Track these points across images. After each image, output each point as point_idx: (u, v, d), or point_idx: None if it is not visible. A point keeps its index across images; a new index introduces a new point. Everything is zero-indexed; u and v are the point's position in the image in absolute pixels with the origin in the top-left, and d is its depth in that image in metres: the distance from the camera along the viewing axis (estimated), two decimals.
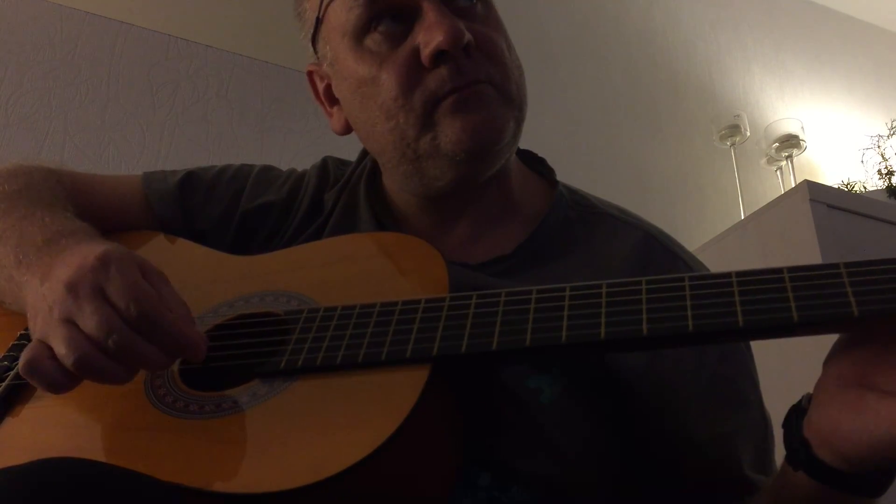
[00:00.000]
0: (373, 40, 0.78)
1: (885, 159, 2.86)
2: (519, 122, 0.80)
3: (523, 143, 0.95)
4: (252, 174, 0.95)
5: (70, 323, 0.60)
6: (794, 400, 0.61)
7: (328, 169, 0.94)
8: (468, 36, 0.75)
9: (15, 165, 0.88)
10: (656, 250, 0.82)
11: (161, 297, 0.62)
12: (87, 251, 0.64)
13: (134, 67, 2.07)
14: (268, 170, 0.97)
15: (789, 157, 2.70)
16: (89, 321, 0.59)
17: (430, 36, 0.75)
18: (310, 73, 0.90)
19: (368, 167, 0.93)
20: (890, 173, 2.80)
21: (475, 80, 0.76)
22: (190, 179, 0.93)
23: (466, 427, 0.66)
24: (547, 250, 0.82)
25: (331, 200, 0.91)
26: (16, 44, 1.96)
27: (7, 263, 0.73)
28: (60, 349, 0.59)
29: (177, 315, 0.62)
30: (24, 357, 0.60)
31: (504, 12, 0.84)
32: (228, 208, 0.91)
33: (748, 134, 2.73)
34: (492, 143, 0.77)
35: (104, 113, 1.99)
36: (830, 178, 2.91)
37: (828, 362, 0.57)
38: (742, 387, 0.79)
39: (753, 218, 2.20)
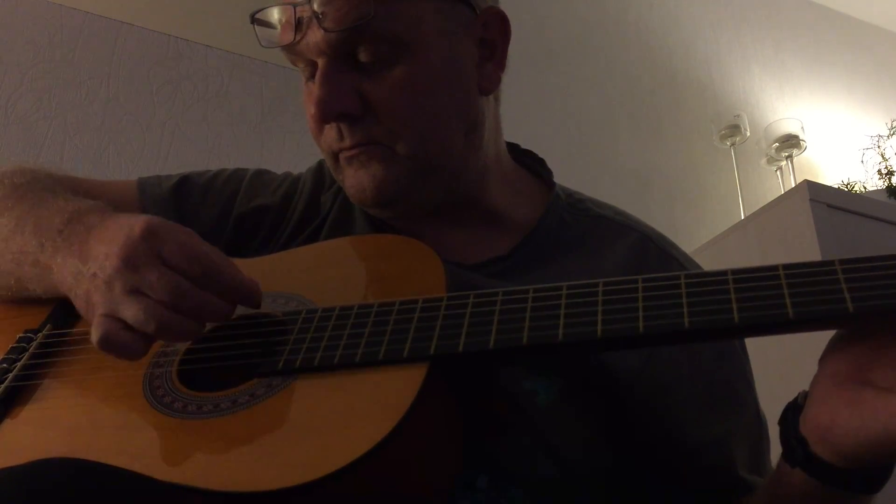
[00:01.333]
0: (302, 75, 0.83)
1: (885, 159, 2.86)
2: (425, 171, 0.80)
3: (524, 143, 0.95)
4: (246, 177, 0.95)
5: (139, 293, 0.62)
6: (790, 397, 0.61)
7: (324, 171, 0.94)
8: (341, 107, 0.77)
9: (17, 165, 0.89)
10: (651, 252, 0.83)
11: (212, 252, 0.66)
12: (127, 224, 0.66)
13: (134, 67, 2.07)
14: (262, 173, 0.97)
15: (789, 157, 2.70)
16: (158, 287, 0.62)
17: (309, 102, 0.79)
18: None
19: None
20: (890, 173, 2.80)
21: (358, 144, 0.78)
22: (184, 184, 0.93)
23: (465, 428, 0.66)
24: (543, 252, 0.83)
25: (328, 202, 0.91)
26: (16, 44, 1.96)
27: (30, 249, 0.74)
28: (138, 318, 0.62)
29: (229, 265, 0.66)
30: (97, 333, 0.62)
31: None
32: (223, 212, 0.92)
33: (748, 134, 2.73)
34: (381, 198, 0.80)
35: (104, 113, 1.99)
36: (830, 178, 2.91)
37: (823, 359, 0.57)
38: (737, 388, 0.79)
39: (753, 218, 2.20)
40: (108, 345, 0.63)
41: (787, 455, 0.60)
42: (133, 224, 0.65)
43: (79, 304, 0.68)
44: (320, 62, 0.77)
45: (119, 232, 0.65)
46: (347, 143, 0.78)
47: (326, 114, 0.77)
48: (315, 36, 0.76)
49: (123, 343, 0.63)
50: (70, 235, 0.71)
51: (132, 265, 0.63)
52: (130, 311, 0.62)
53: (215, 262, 0.65)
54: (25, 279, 0.76)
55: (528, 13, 2.67)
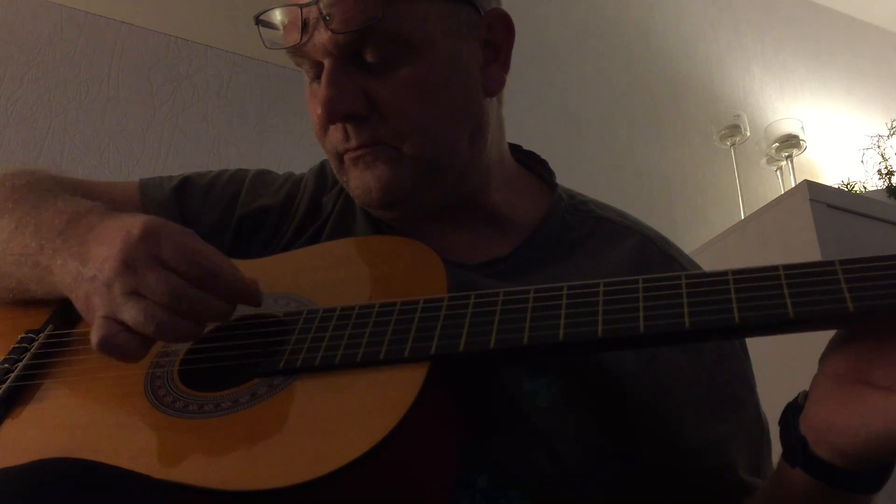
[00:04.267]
0: (306, 75, 0.82)
1: (885, 159, 2.86)
2: (430, 172, 0.80)
3: (523, 143, 0.95)
4: (248, 178, 0.95)
5: (137, 295, 0.62)
6: (790, 398, 0.61)
7: (326, 172, 0.94)
8: (348, 107, 0.76)
9: (18, 167, 0.89)
10: (652, 254, 0.83)
11: (209, 253, 0.66)
12: (125, 225, 0.66)
13: (134, 67, 2.07)
14: (264, 173, 0.97)
15: (789, 157, 2.70)
16: (157, 289, 0.62)
17: (315, 104, 0.78)
18: None
19: None
20: (890, 173, 2.80)
21: (364, 144, 0.78)
22: (186, 185, 0.93)
23: (465, 428, 0.66)
24: (544, 253, 0.83)
25: (330, 203, 0.91)
26: (16, 44, 1.96)
27: (30, 251, 0.74)
28: (138, 320, 0.62)
29: (228, 265, 0.66)
30: (96, 336, 0.62)
31: None
32: (225, 212, 0.92)
33: (748, 134, 2.73)
34: (387, 200, 0.80)
35: (104, 113, 1.99)
36: (830, 178, 2.91)
37: (823, 359, 0.57)
38: (738, 390, 0.79)
39: (753, 218, 2.20)
40: (108, 347, 0.62)
41: (787, 455, 0.60)
42: (132, 225, 0.65)
43: (79, 306, 0.68)
44: (326, 62, 0.77)
45: (118, 233, 0.65)
46: (353, 143, 0.78)
47: (333, 114, 0.77)
48: (322, 37, 0.75)
49: (122, 345, 0.62)
50: (70, 237, 0.71)
51: (131, 267, 0.63)
52: (129, 313, 0.62)
53: (214, 262, 0.65)
54: (26, 280, 0.76)
55: (528, 13, 2.67)
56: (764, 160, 2.84)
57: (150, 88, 2.07)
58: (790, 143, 2.69)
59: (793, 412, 0.59)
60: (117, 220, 0.69)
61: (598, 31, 2.86)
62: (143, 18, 2.12)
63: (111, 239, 0.65)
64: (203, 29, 2.18)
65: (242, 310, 0.74)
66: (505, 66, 0.85)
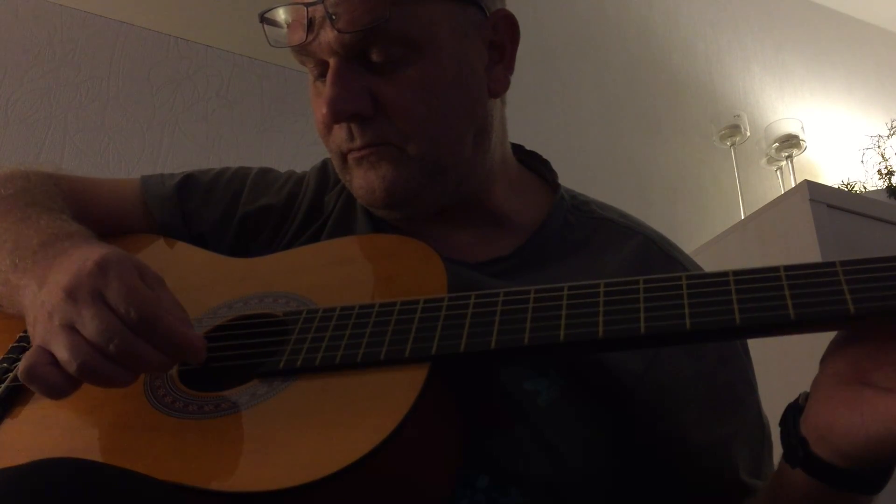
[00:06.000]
0: (310, 74, 0.82)
1: (885, 159, 2.86)
2: (434, 173, 0.79)
3: (524, 143, 0.95)
4: (250, 176, 0.95)
5: (71, 328, 0.60)
6: (791, 398, 0.61)
7: (328, 171, 0.94)
8: (354, 107, 0.76)
9: (11, 170, 0.88)
10: (654, 254, 0.83)
11: (159, 301, 0.63)
12: (84, 255, 0.64)
13: (134, 67, 2.07)
14: (266, 172, 0.97)
15: (789, 157, 2.70)
16: (90, 326, 0.59)
17: (319, 103, 0.78)
18: None
19: None
20: (890, 173, 2.80)
21: (369, 144, 0.78)
22: (188, 183, 0.93)
23: (465, 428, 0.66)
24: (546, 253, 0.83)
25: (331, 202, 0.91)
26: (16, 44, 1.96)
27: (3, 267, 0.73)
28: (63, 355, 0.59)
29: (175, 317, 0.63)
30: (23, 363, 0.60)
31: None
32: (227, 210, 0.91)
33: (748, 134, 2.73)
34: (390, 200, 0.79)
35: (104, 113, 1.99)
36: (830, 178, 2.91)
37: (824, 360, 0.57)
38: (739, 391, 0.79)
39: (753, 218, 2.20)
40: (29, 378, 0.60)
41: (787, 456, 0.60)
42: (89, 256, 0.63)
43: (28, 330, 0.66)
44: (331, 62, 0.76)
45: (74, 263, 0.64)
46: (358, 143, 0.78)
47: (338, 113, 0.76)
48: (327, 36, 0.75)
49: (44, 378, 0.60)
50: (40, 259, 0.70)
51: (72, 299, 0.61)
52: (58, 347, 0.60)
53: (157, 310, 0.61)
54: (0, 296, 0.76)
55: (528, 13, 2.67)
56: (764, 160, 2.84)
57: (150, 88, 2.07)
58: (790, 143, 2.69)
59: (793, 413, 0.59)
60: (85, 248, 0.68)
61: (598, 31, 2.86)
62: (143, 18, 2.12)
63: (68, 267, 0.64)
64: (203, 29, 2.18)
65: (241, 309, 0.74)
66: (509, 67, 0.85)
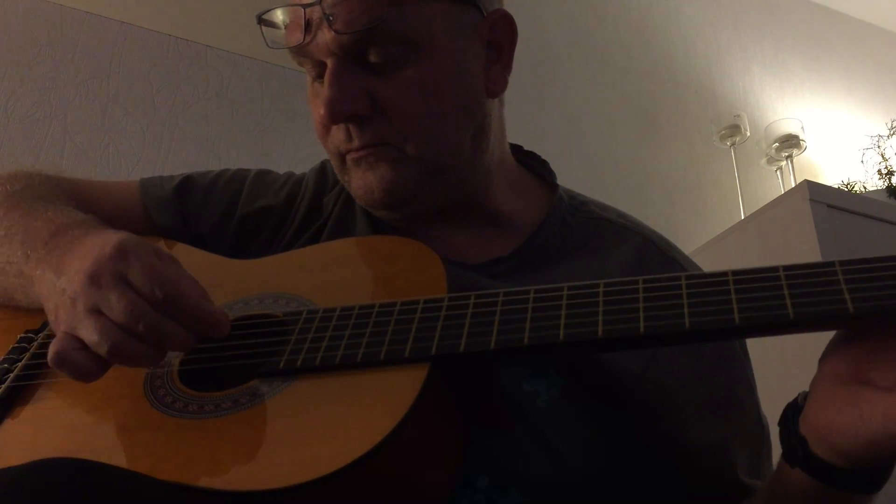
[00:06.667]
0: (308, 75, 0.82)
1: (885, 159, 2.86)
2: (433, 173, 0.79)
3: (523, 143, 0.95)
4: (249, 178, 0.95)
5: (97, 312, 0.61)
6: (791, 398, 0.61)
7: (326, 172, 0.94)
8: (352, 107, 0.76)
9: (15, 169, 0.89)
10: (653, 255, 0.83)
11: (180, 279, 0.64)
12: (101, 241, 0.65)
13: (134, 67, 2.07)
14: (265, 174, 0.97)
15: (789, 157, 2.70)
16: (117, 308, 0.61)
17: (317, 104, 0.78)
18: None
19: None
20: (890, 173, 2.80)
21: (367, 145, 0.78)
22: (187, 184, 0.93)
23: (465, 429, 0.66)
24: (545, 254, 0.83)
25: (330, 203, 0.91)
26: (16, 44, 1.96)
27: (16, 259, 0.74)
28: (93, 338, 0.61)
29: (197, 294, 0.65)
30: (52, 350, 0.61)
31: None
32: (226, 212, 0.92)
33: (748, 134, 2.73)
34: (389, 200, 0.79)
35: (104, 113, 1.99)
36: (830, 178, 2.91)
37: (823, 359, 0.57)
38: (738, 391, 0.79)
39: (753, 218, 2.20)
40: (60, 363, 0.61)
41: (787, 455, 0.60)
42: (106, 241, 0.65)
43: (49, 319, 0.67)
44: (329, 62, 0.76)
45: (93, 249, 0.65)
46: (356, 143, 0.78)
47: (336, 114, 0.76)
48: (325, 37, 0.75)
49: (75, 362, 0.61)
50: (53, 248, 0.71)
51: (96, 283, 0.62)
52: (87, 331, 0.61)
53: (180, 289, 0.63)
54: (11, 289, 0.76)
55: (528, 14, 2.67)
56: (764, 160, 2.84)
57: (150, 88, 2.07)
58: (790, 143, 2.69)
59: (793, 412, 0.59)
60: (99, 234, 0.69)
61: (599, 31, 2.86)
62: (143, 18, 2.12)
63: (86, 253, 0.65)
64: (203, 29, 2.18)
65: (241, 310, 0.74)
66: (507, 67, 0.85)
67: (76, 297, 0.62)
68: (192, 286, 0.65)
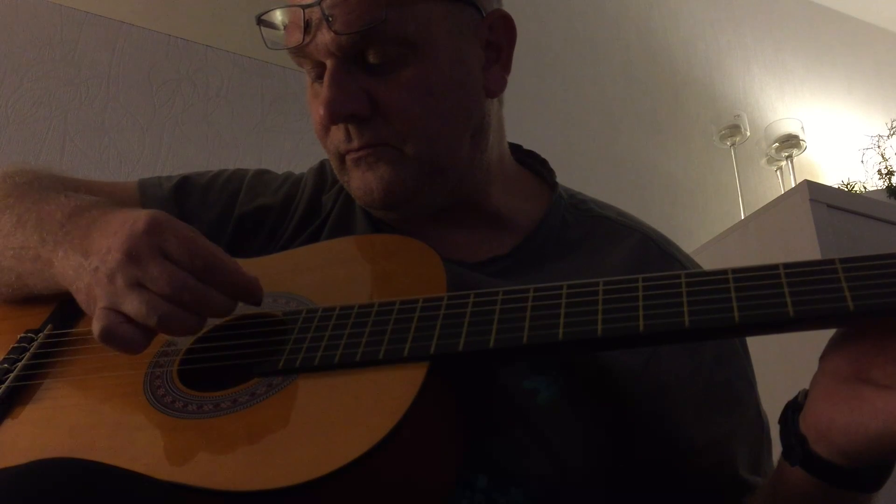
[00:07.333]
0: (308, 75, 0.82)
1: (885, 159, 2.86)
2: (432, 173, 0.80)
3: (523, 143, 0.95)
4: (247, 178, 0.95)
5: (140, 286, 0.63)
6: (791, 396, 0.61)
7: (325, 171, 0.95)
8: (351, 108, 0.76)
9: (19, 166, 0.89)
10: (653, 252, 0.83)
11: (213, 249, 0.66)
12: (129, 218, 0.66)
13: (134, 67, 2.07)
14: (263, 173, 0.97)
15: (789, 157, 2.70)
16: (161, 280, 0.62)
17: (317, 104, 0.79)
18: None
19: None
20: (890, 173, 2.80)
21: (367, 145, 0.78)
22: (185, 184, 0.93)
23: (465, 428, 0.66)
24: (544, 252, 0.83)
25: (329, 202, 0.91)
26: (16, 44, 1.96)
27: (31, 244, 0.74)
28: (140, 311, 0.62)
29: (231, 262, 0.66)
30: (97, 326, 0.63)
31: None
32: (224, 211, 0.92)
33: (748, 134, 2.73)
34: (388, 200, 0.80)
35: (104, 113, 1.99)
36: (830, 178, 2.91)
37: (824, 357, 0.57)
38: (738, 389, 0.79)
39: (753, 218, 2.20)
40: (109, 337, 0.63)
41: (787, 454, 0.60)
42: (136, 218, 0.66)
43: (80, 298, 0.68)
44: (328, 63, 0.77)
45: (122, 226, 0.66)
46: (355, 144, 0.78)
47: (335, 115, 0.77)
48: (324, 38, 0.75)
49: (124, 336, 0.63)
50: (72, 229, 0.71)
51: (134, 258, 0.63)
52: (132, 305, 0.62)
53: (217, 257, 0.65)
54: (26, 275, 0.76)
55: (527, 14, 2.67)
56: (764, 160, 2.84)
57: (150, 88, 2.07)
58: (790, 143, 2.69)
59: (793, 411, 0.59)
60: (121, 213, 0.70)
61: (598, 32, 2.86)
62: (143, 18, 2.12)
63: (115, 231, 0.66)
64: (203, 29, 2.18)
65: (242, 309, 0.74)
66: (506, 67, 0.85)
67: (113, 274, 0.63)
68: (225, 254, 0.67)
